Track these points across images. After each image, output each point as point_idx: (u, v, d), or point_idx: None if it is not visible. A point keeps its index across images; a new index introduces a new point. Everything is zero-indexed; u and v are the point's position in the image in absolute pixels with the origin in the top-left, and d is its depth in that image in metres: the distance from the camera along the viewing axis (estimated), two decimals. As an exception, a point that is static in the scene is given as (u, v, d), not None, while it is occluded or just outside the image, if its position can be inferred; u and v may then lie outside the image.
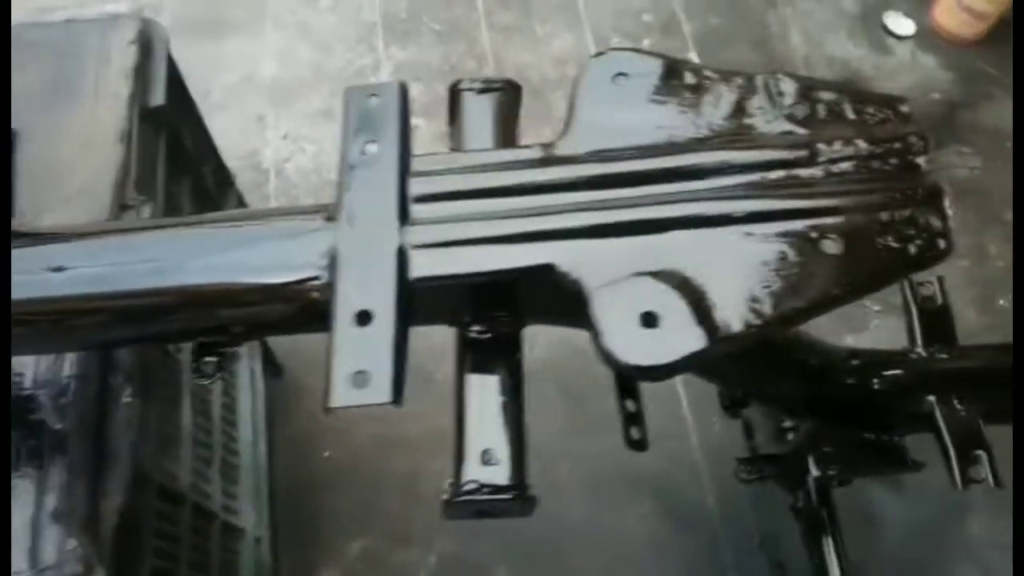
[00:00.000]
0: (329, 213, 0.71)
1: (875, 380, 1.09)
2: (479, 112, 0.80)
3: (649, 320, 0.60)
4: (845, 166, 0.65)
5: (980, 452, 1.07)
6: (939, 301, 1.18)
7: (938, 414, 1.10)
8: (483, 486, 0.68)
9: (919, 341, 1.15)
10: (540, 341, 2.19)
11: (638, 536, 1.92)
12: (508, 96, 0.81)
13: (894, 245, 0.62)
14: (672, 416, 2.16)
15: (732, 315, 0.60)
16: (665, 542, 1.91)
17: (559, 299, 0.63)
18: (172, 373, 1.14)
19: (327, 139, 2.45)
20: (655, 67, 0.70)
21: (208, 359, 0.75)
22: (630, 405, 1.03)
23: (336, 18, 2.76)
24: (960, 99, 2.76)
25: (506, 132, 0.79)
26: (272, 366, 2.04)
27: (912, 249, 0.62)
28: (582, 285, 0.62)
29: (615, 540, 1.92)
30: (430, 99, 2.52)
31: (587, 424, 2.03)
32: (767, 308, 0.60)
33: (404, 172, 0.71)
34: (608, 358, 0.60)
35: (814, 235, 0.62)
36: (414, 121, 2.51)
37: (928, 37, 2.90)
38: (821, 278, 0.61)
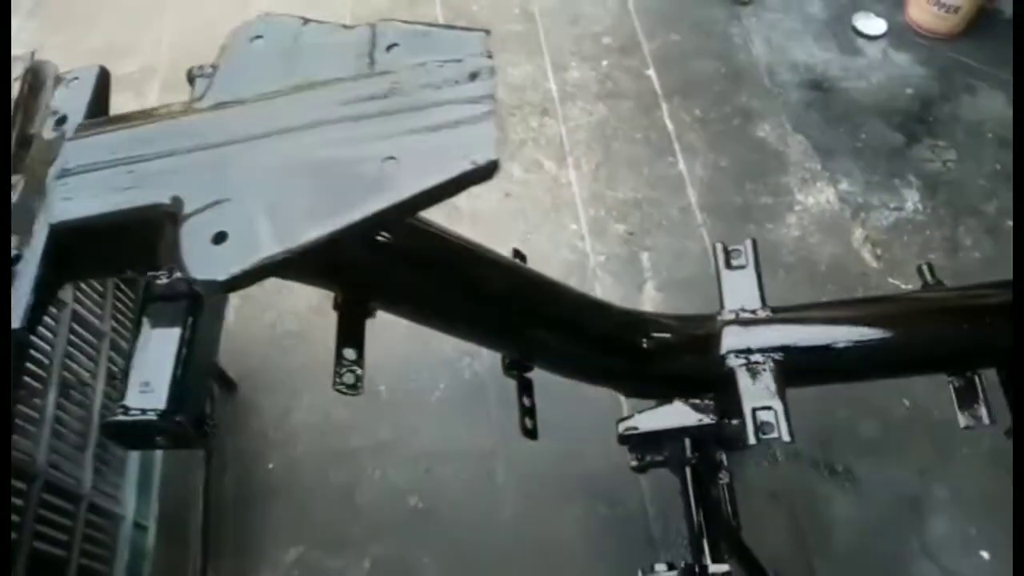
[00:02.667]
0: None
1: (644, 339, 1.09)
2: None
3: (219, 238, 0.66)
4: (409, 88, 0.70)
5: (773, 408, 1.05)
6: (747, 263, 1.18)
7: (737, 375, 1.09)
8: (137, 409, 0.74)
9: (725, 304, 1.15)
10: (484, 352, 2.24)
11: (572, 536, 1.91)
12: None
13: (447, 161, 0.66)
14: (611, 416, 2.16)
15: (299, 228, 0.65)
16: (598, 541, 1.89)
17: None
18: (39, 362, 1.26)
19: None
20: (287, 27, 0.77)
21: None
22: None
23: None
24: (936, 93, 2.68)
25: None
26: (226, 383, 2.16)
27: (465, 165, 0.66)
28: (177, 219, 0.68)
29: (549, 541, 1.91)
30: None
31: (524, 431, 2.04)
32: (331, 219, 0.65)
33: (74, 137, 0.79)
34: (191, 280, 0.66)
35: (376, 154, 0.67)
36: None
37: (901, 35, 2.84)
38: (379, 192, 0.66)
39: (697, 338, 1.13)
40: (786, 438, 1.03)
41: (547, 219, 2.44)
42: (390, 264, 0.89)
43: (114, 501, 1.39)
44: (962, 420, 1.08)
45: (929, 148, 2.55)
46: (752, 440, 1.04)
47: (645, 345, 1.11)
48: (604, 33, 2.88)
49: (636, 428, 1.16)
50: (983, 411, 1.07)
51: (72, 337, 1.37)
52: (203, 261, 0.67)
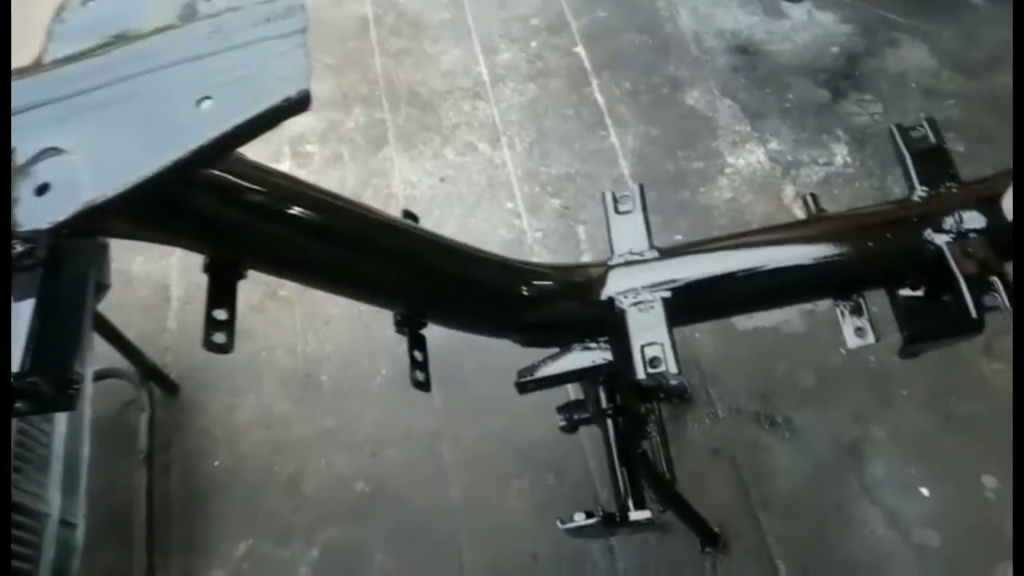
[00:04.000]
0: None
1: (524, 287, 1.10)
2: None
3: (42, 190, 0.67)
4: (228, 30, 0.71)
5: (659, 343, 1.06)
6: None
7: (627, 315, 1.10)
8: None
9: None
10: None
11: (520, 507, 1.92)
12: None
13: (261, 95, 0.67)
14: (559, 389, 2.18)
15: (119, 173, 0.66)
16: (546, 511, 1.90)
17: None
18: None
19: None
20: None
21: None
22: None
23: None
24: (861, 49, 2.72)
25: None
26: (168, 385, 2.15)
27: (277, 98, 0.67)
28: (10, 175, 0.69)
29: (498, 515, 1.92)
30: (325, 126, 2.65)
31: (468, 406, 2.05)
32: (149, 162, 0.66)
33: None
34: (17, 235, 0.67)
35: (193, 95, 0.68)
36: (309, 148, 2.62)
37: (827, -5, 2.88)
38: (197, 132, 0.67)
39: (582, 284, 1.14)
40: (673, 369, 1.04)
41: (483, 200, 2.45)
42: (249, 219, 0.90)
43: (37, 499, 1.38)
44: (849, 341, 1.09)
45: (856, 103, 2.58)
46: (640, 374, 1.05)
47: (526, 292, 1.12)
48: (532, 15, 2.90)
49: (531, 374, 1.17)
50: (869, 330, 1.09)
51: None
52: (29, 213, 0.68)
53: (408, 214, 1.20)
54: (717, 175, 2.42)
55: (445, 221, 2.40)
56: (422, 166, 2.54)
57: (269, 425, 2.10)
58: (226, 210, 0.87)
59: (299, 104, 0.68)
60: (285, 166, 2.57)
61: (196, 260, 0.92)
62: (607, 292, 1.13)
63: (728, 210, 2.34)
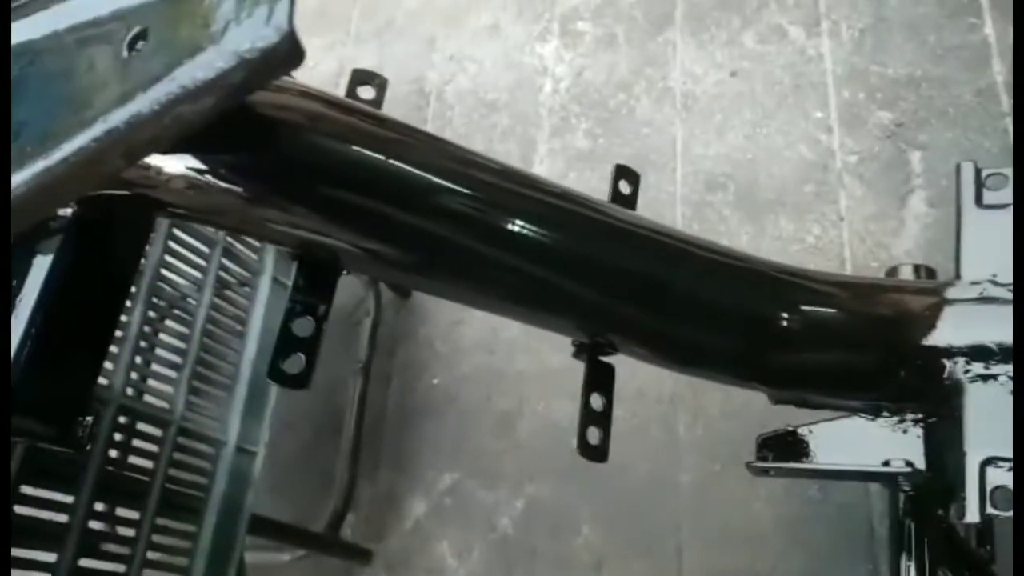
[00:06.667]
0: None
1: (784, 313, 0.67)
2: None
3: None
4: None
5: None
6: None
7: (965, 393, 0.65)
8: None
9: (963, 267, 0.68)
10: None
11: (765, 516, 1.54)
12: None
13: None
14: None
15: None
16: (798, 529, 1.50)
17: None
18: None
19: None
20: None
21: None
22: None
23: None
24: None
25: None
26: (400, 290, 2.02)
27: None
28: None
29: (735, 517, 1.56)
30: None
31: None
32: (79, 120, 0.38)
33: None
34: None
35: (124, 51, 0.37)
36: (580, 25, 2.23)
37: None
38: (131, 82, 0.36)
39: (887, 317, 0.69)
40: None
41: (784, 104, 1.91)
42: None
43: (214, 424, 1.29)
44: None
45: None
46: (972, 515, 0.61)
47: (786, 322, 0.70)
48: None
49: (772, 455, 0.76)
50: None
51: (170, 244, 1.26)
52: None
53: (621, 172, 0.81)
54: None
55: (728, 129, 1.92)
56: (711, 54, 2.04)
57: (493, 350, 1.89)
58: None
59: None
60: (551, 46, 2.22)
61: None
62: (933, 341, 0.68)
63: None
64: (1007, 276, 0.67)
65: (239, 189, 0.58)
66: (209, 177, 0.57)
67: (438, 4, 2.46)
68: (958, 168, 0.73)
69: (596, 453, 0.77)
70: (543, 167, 2.05)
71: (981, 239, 0.69)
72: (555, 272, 0.69)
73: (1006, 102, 1.73)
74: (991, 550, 1.23)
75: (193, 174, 0.56)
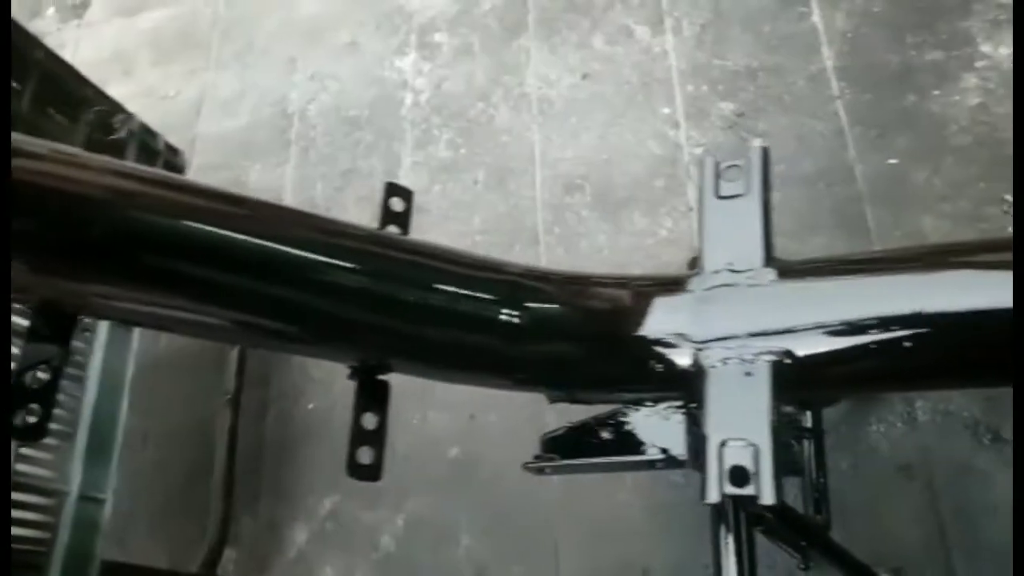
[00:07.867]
0: None
1: (507, 312, 0.69)
2: None
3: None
4: None
5: (753, 443, 0.63)
6: (749, 189, 0.71)
7: (707, 378, 0.67)
8: None
9: (705, 256, 0.70)
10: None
11: (633, 505, 1.58)
12: None
13: None
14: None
15: None
16: (664, 515, 1.53)
17: None
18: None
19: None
20: None
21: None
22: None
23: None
24: None
25: None
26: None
27: None
28: None
29: (604, 510, 1.59)
30: (458, 9, 2.24)
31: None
32: None
33: None
34: None
35: None
36: (437, 37, 2.22)
37: None
38: None
39: (618, 311, 0.71)
40: (767, 496, 0.61)
41: (633, 103, 1.96)
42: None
43: (52, 476, 1.25)
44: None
45: None
46: (713, 496, 0.63)
47: (516, 320, 0.71)
48: None
49: (551, 454, 0.78)
50: None
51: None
52: None
53: (388, 215, 0.81)
54: (962, 71, 1.73)
55: (583, 131, 1.95)
56: (563, 58, 2.07)
57: (367, 368, 1.88)
58: None
59: None
60: (410, 59, 2.22)
61: None
62: (668, 330, 0.70)
63: (973, 124, 1.67)
64: (743, 263, 0.70)
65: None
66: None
67: (297, 23, 2.44)
68: (700, 161, 0.76)
69: (368, 472, 0.77)
70: (407, 181, 2.05)
71: (720, 229, 0.72)
72: (311, 304, 0.69)
73: (835, 86, 1.81)
74: (827, 516, 1.28)
75: None
